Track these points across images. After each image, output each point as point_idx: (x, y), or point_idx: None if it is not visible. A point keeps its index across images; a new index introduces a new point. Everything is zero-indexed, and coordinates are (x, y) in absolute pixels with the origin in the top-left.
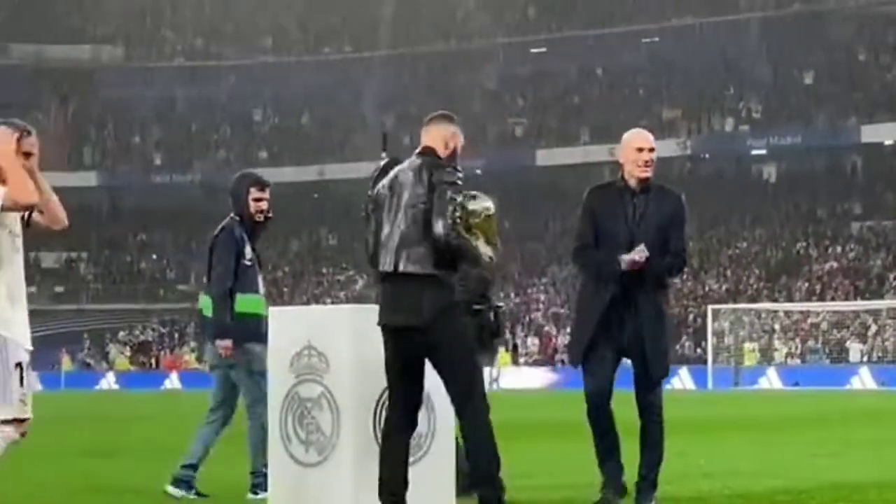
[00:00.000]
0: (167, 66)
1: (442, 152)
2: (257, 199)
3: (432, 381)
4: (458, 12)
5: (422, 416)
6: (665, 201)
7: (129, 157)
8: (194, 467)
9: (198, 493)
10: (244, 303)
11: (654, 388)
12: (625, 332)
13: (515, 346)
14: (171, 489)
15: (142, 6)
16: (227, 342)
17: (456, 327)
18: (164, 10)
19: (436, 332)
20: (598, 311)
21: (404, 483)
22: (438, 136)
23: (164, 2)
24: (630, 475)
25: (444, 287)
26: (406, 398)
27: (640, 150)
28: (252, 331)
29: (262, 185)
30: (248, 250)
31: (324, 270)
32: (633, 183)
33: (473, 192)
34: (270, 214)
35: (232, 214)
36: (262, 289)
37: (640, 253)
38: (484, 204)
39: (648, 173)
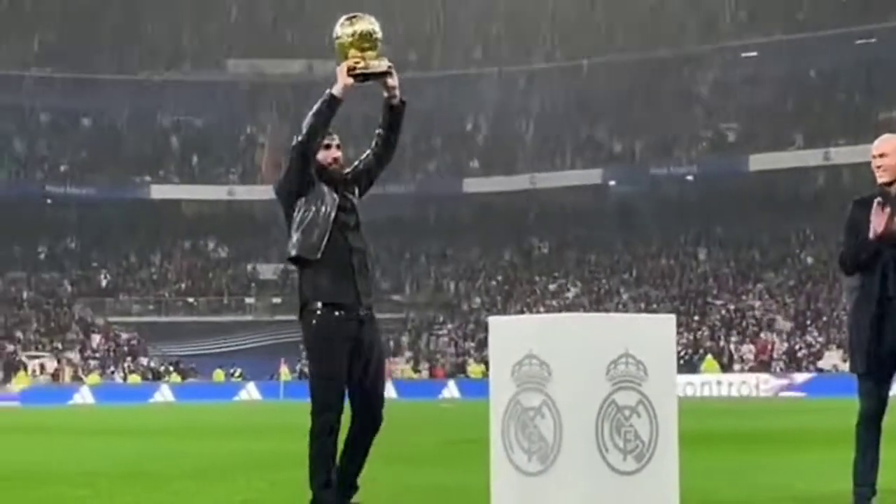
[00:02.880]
0: None
1: None
2: None
3: (652, 387)
4: (669, 18)
5: (644, 423)
6: None
7: None
8: None
9: None
10: None
11: None
12: (892, 332)
13: (731, 353)
14: None
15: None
16: None
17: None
18: (380, 23)
19: None
20: (867, 316)
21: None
22: None
23: (378, 15)
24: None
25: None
26: None
27: (874, 156)
28: None
29: None
30: None
31: (536, 279)
32: (890, 189)
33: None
34: None
35: None
36: None
37: (882, 217)
38: (350, 28)
39: (884, 178)
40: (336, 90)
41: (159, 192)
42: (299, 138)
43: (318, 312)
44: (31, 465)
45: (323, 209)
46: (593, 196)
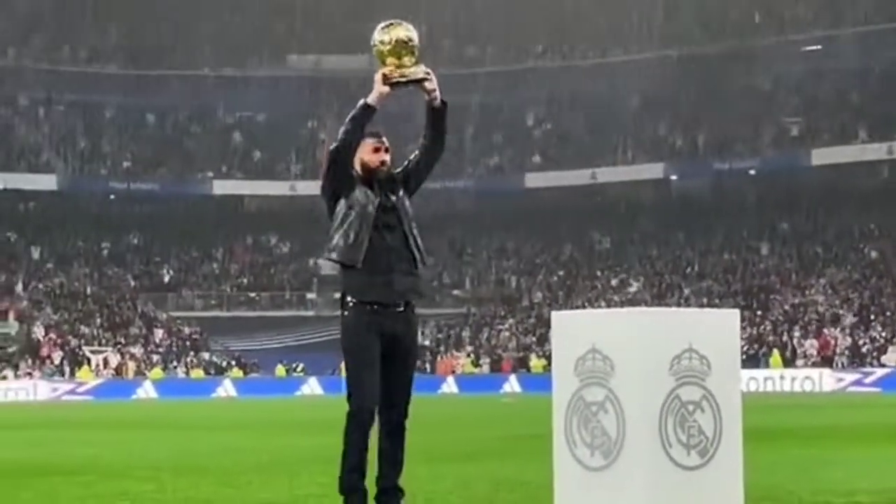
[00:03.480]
0: (441, 74)
1: None
2: None
3: (716, 382)
4: (731, 12)
5: (707, 418)
6: None
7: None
8: None
9: None
10: None
11: None
12: None
13: (794, 348)
14: None
15: (416, 15)
16: None
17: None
18: (438, 18)
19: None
20: None
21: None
22: None
23: (439, 10)
24: None
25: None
26: None
27: None
28: None
29: None
30: None
31: (597, 274)
32: None
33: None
34: None
35: None
36: None
37: None
38: (388, 35)
39: None
40: (371, 98)
41: (222, 187)
42: (335, 144)
43: (352, 306)
44: (97, 459)
45: (362, 213)
46: (655, 191)
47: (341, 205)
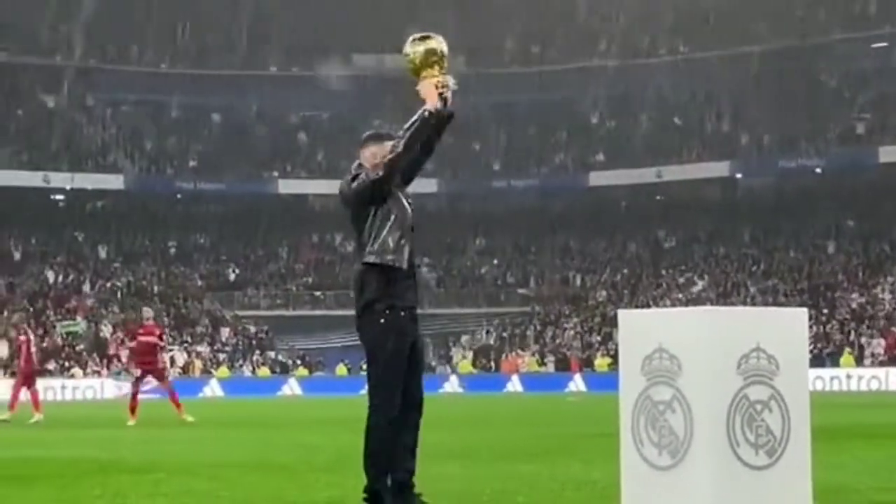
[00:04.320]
0: (505, 73)
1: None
2: None
3: (784, 382)
4: (797, 8)
5: (776, 418)
6: None
7: (470, 164)
8: None
9: None
10: None
11: None
12: None
13: (861, 347)
14: None
15: (479, 15)
16: None
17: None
18: (502, 18)
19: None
20: None
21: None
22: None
23: (503, 10)
24: None
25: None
26: None
27: None
28: None
29: None
30: None
31: (663, 272)
32: None
33: (419, 35)
34: None
35: None
36: None
37: None
38: (422, 47)
39: None
40: (434, 108)
41: (287, 186)
42: (398, 153)
43: (387, 312)
44: (164, 457)
45: (403, 216)
46: (721, 189)
47: (379, 209)
